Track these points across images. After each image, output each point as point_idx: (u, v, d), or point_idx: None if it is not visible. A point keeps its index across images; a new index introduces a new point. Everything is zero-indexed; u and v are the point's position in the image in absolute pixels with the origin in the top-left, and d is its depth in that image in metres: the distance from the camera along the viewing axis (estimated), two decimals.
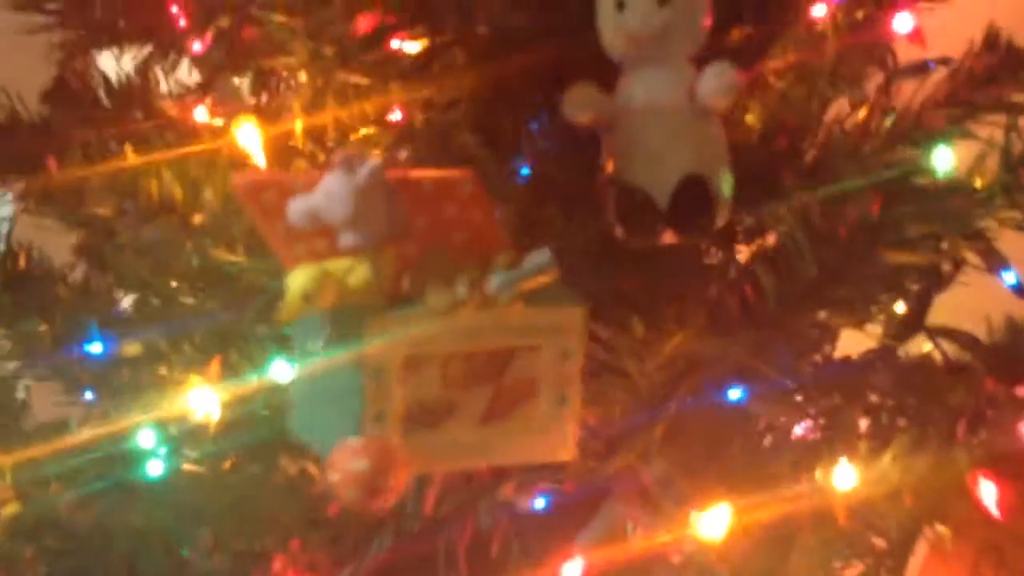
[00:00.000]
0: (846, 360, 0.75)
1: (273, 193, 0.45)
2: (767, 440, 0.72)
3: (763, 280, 0.57)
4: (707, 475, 0.64)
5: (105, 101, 0.78)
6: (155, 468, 0.68)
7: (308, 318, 0.47)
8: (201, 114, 0.73)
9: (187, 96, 0.73)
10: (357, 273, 0.46)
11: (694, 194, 0.51)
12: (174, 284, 0.77)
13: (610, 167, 0.53)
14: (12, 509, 0.73)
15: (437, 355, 0.49)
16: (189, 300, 0.76)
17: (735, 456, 0.68)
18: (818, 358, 0.73)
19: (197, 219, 0.65)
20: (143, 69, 0.79)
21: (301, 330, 0.49)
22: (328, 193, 0.44)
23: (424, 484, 0.56)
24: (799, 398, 0.71)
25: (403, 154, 0.58)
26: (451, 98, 0.58)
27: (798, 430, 0.73)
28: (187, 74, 0.78)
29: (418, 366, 0.48)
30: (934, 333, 0.67)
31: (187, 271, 0.76)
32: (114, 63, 0.90)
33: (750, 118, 0.65)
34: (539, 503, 0.70)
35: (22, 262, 0.77)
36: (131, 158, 0.65)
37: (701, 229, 0.52)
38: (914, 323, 0.67)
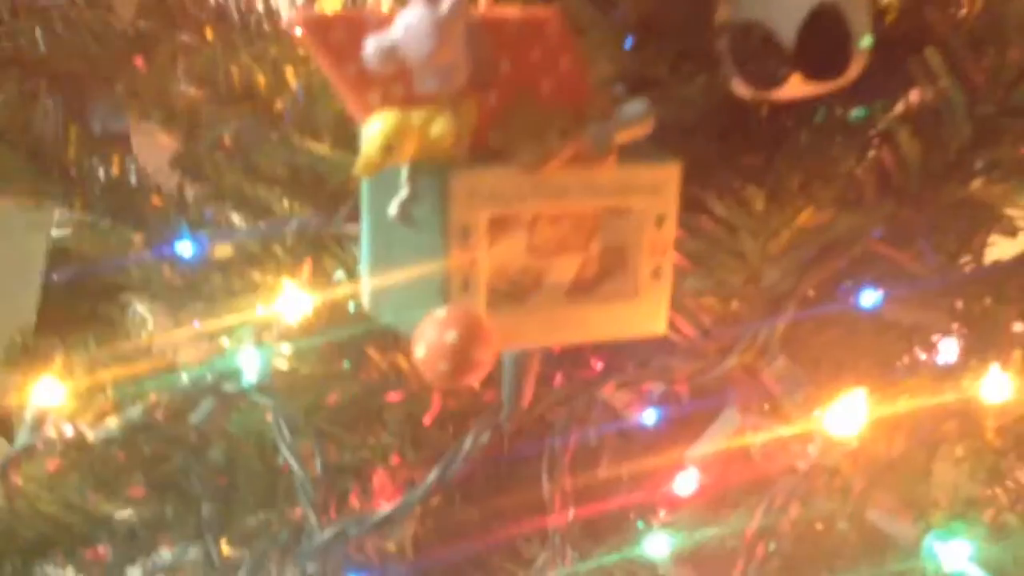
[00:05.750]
0: (997, 263, 0.66)
1: (342, 31, 0.41)
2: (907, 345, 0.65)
3: (905, 145, 0.50)
4: (837, 377, 0.58)
5: (197, 12, 0.76)
6: (249, 373, 0.66)
7: (386, 174, 0.42)
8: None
9: None
10: (438, 123, 0.41)
11: (826, 29, 0.44)
12: (267, 190, 0.75)
13: (725, 7, 0.46)
14: (113, 421, 0.73)
15: (523, 217, 0.44)
16: (282, 205, 0.74)
17: (870, 356, 0.60)
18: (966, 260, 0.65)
19: (280, 105, 0.62)
20: None
21: (377, 188, 0.45)
22: (408, 27, 0.40)
23: (519, 376, 0.51)
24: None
25: None
26: None
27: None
28: None
29: (503, 229, 0.44)
30: None
31: (278, 175, 0.74)
32: None
33: None
34: (649, 417, 0.65)
35: (116, 170, 0.76)
36: (210, 41, 0.63)
37: (835, 72, 0.45)
38: None
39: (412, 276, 0.44)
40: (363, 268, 0.47)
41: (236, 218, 0.77)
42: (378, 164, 0.41)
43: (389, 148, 0.41)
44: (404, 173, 0.42)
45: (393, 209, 0.42)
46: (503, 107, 0.43)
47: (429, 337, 0.41)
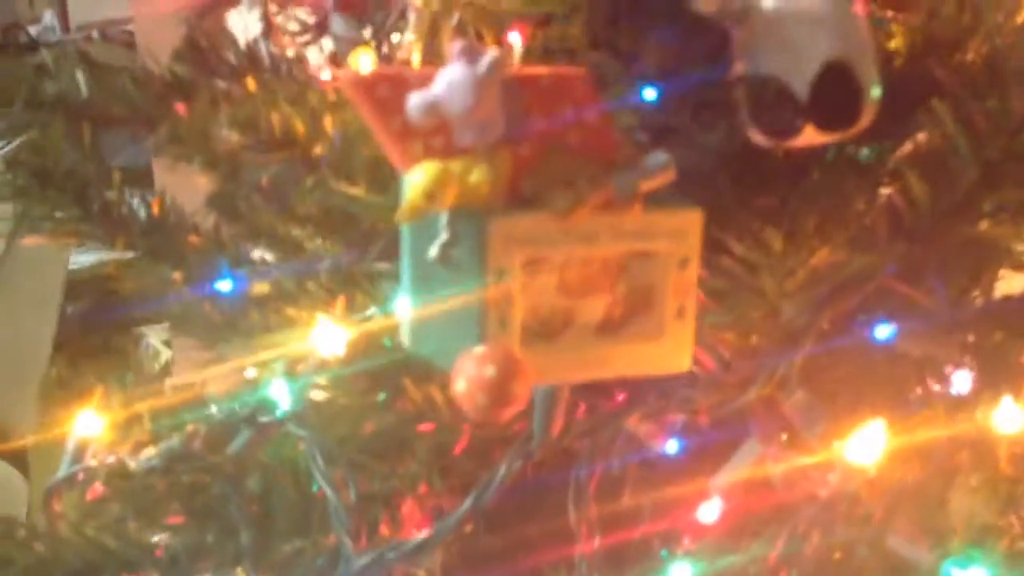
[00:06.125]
0: (1008, 297, 0.68)
1: (387, 88, 0.44)
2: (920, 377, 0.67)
3: (915, 187, 0.52)
4: (854, 409, 0.60)
5: (232, 58, 0.80)
6: (284, 404, 0.69)
7: (426, 220, 0.45)
8: (319, 54, 0.73)
9: (306, 35, 0.73)
10: (476, 172, 0.44)
11: (838, 83, 0.46)
12: (300, 230, 0.78)
13: (742, 61, 0.49)
14: (150, 451, 0.76)
15: (554, 260, 0.47)
16: (315, 243, 0.77)
17: (885, 388, 0.62)
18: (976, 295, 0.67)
19: (318, 150, 0.65)
20: (266, 17, 0.80)
21: (418, 232, 0.48)
22: (449, 84, 0.43)
23: (549, 408, 0.53)
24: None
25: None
26: (569, 8, 0.56)
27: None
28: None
29: (536, 272, 0.46)
30: None
31: (311, 214, 0.77)
32: (240, 20, 0.92)
33: (895, 43, 0.60)
34: (671, 446, 0.67)
35: (156, 210, 0.79)
36: (252, 91, 0.66)
37: (846, 123, 0.48)
38: None
39: (451, 314, 0.47)
40: (403, 306, 0.50)
41: (269, 256, 0.80)
42: (421, 211, 0.44)
43: (431, 196, 0.44)
44: (444, 219, 0.45)
45: (434, 252, 0.45)
46: (536, 157, 0.46)
47: (469, 372, 0.44)
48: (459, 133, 0.44)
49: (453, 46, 0.43)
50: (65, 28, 3.24)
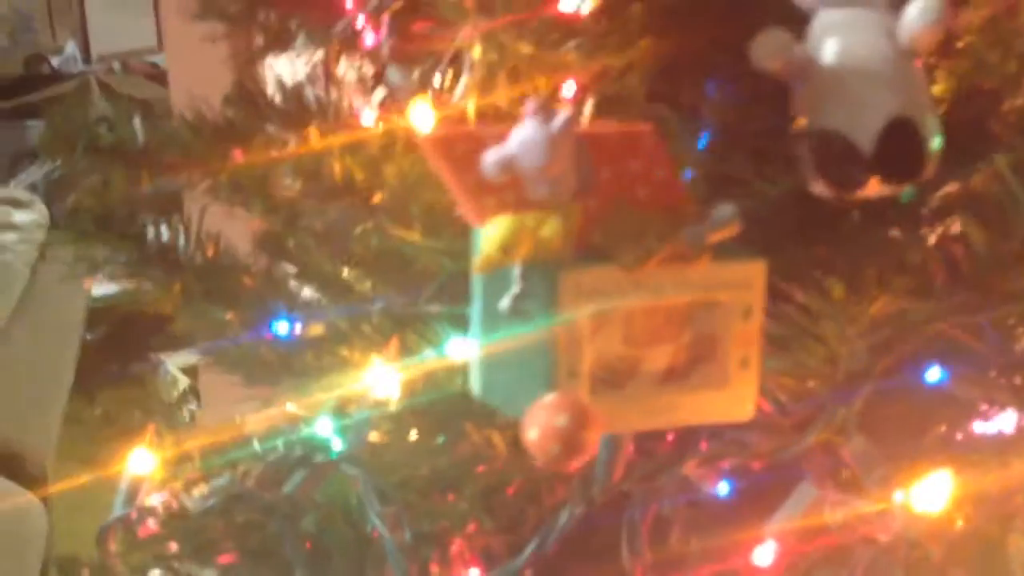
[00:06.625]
0: None
1: (463, 146, 0.45)
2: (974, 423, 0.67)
3: (974, 235, 0.53)
4: (910, 455, 0.60)
5: (279, 102, 0.81)
6: (339, 445, 0.70)
7: (500, 272, 0.46)
8: (375, 104, 0.75)
9: (361, 89, 0.75)
10: (548, 227, 0.46)
11: (902, 138, 0.47)
12: (351, 272, 0.79)
13: (805, 117, 0.50)
14: (201, 490, 0.77)
15: (621, 312, 0.48)
16: (366, 285, 0.78)
17: (940, 437, 0.63)
18: None
19: (377, 198, 0.66)
20: (319, 69, 0.82)
21: (490, 283, 0.49)
22: (523, 141, 0.44)
23: (612, 453, 0.54)
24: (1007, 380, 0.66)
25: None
26: (627, 62, 0.57)
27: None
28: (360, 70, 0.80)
29: (603, 323, 0.47)
30: None
31: (364, 256, 0.78)
32: (290, 67, 0.94)
33: (939, 88, 0.61)
34: (723, 488, 0.67)
35: (210, 252, 0.80)
36: (313, 142, 0.67)
37: (910, 176, 0.49)
38: None
39: (521, 363, 0.48)
40: (472, 355, 0.51)
41: (320, 298, 0.81)
42: (496, 263, 0.45)
43: (506, 249, 0.45)
44: (517, 271, 0.46)
45: (505, 303, 0.46)
46: (605, 211, 0.47)
47: (541, 421, 0.45)
48: (533, 188, 0.45)
49: (527, 105, 0.44)
50: (86, 58, 3.29)
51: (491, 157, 0.44)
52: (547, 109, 0.44)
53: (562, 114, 0.44)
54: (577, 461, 0.45)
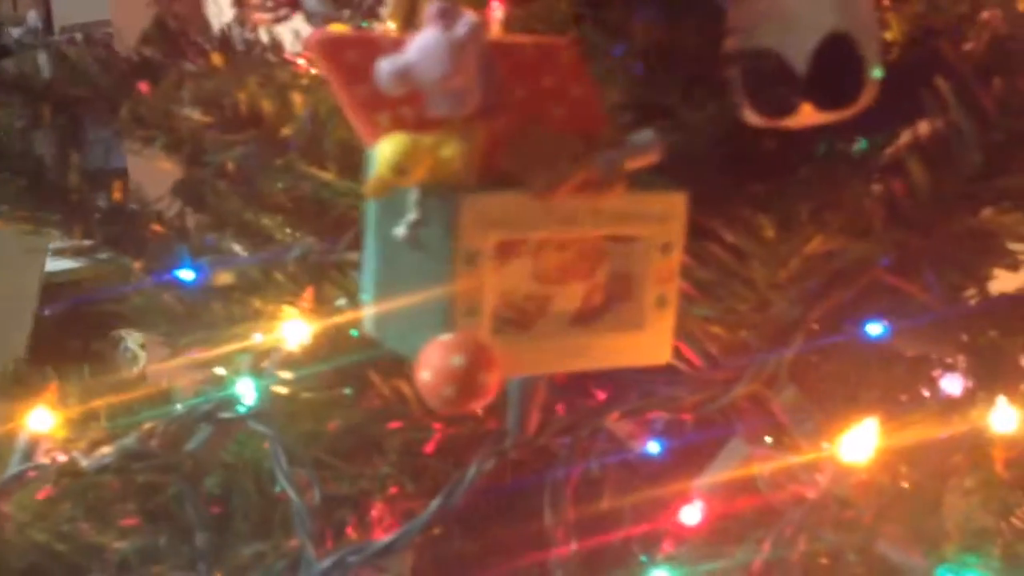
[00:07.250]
0: (1003, 295, 0.66)
1: (357, 53, 0.41)
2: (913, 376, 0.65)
3: (916, 172, 0.50)
4: (845, 408, 0.57)
5: (202, 41, 0.77)
6: (247, 400, 0.66)
7: (394, 196, 0.42)
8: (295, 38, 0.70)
9: (277, 11, 0.70)
10: (449, 147, 0.41)
11: (838, 56, 0.43)
12: (268, 219, 0.75)
13: (736, 36, 0.46)
14: (107, 449, 0.72)
15: (529, 243, 0.43)
16: (283, 233, 0.74)
17: (878, 388, 0.60)
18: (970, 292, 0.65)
19: (286, 131, 0.62)
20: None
21: (385, 210, 0.44)
22: (422, 49, 0.39)
23: (525, 403, 0.50)
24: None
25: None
26: None
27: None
28: None
29: (509, 255, 0.43)
30: None
31: (281, 202, 0.73)
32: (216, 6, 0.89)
33: (890, 34, 0.57)
34: (653, 447, 0.64)
35: (116, 194, 0.76)
36: (218, 67, 0.63)
37: (847, 99, 0.45)
38: None
39: (417, 300, 0.44)
40: (366, 292, 0.46)
41: (237, 246, 0.77)
42: (388, 186, 0.41)
43: (400, 170, 0.41)
44: (414, 195, 0.42)
45: (401, 231, 0.42)
46: (514, 132, 0.43)
47: (434, 362, 0.41)
48: (432, 103, 0.41)
49: (429, 8, 0.40)
50: (48, 30, 3.24)
51: (385, 65, 0.40)
52: (451, 14, 0.40)
53: (466, 19, 0.40)
54: (475, 405, 0.41)
